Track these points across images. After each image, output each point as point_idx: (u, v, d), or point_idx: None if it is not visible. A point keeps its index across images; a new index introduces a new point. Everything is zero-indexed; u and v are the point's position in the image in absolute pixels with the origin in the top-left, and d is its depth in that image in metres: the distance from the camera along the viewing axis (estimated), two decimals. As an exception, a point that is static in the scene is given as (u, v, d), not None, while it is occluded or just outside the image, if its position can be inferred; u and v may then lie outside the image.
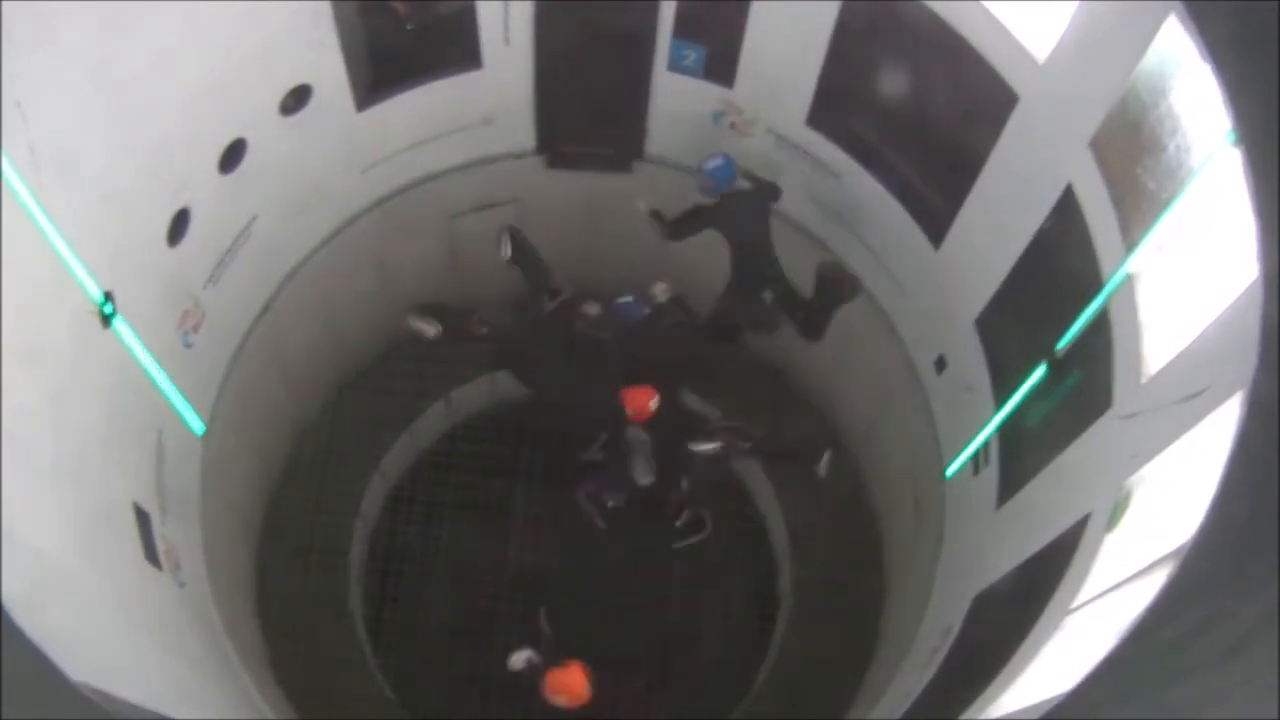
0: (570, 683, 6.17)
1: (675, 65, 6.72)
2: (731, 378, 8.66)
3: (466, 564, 8.77)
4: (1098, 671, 3.10)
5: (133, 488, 5.48)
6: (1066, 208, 5.20)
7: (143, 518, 5.48)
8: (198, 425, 6.44)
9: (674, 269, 7.71)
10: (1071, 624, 4.57)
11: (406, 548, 8.83)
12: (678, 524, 7.95)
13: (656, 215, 6.95)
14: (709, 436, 6.94)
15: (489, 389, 8.61)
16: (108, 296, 4.98)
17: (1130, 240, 4.74)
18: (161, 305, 5.74)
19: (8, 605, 3.03)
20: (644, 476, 6.96)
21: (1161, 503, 4.29)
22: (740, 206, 6.82)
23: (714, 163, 6.72)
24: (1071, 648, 4.46)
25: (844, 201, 6.98)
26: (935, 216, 6.40)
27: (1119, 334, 4.91)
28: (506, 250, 6.82)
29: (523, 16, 6.38)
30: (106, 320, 5.03)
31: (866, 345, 7.62)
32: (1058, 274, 5.44)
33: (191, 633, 5.79)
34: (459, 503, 8.85)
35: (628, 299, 7.03)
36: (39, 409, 4.43)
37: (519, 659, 6.34)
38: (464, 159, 7.31)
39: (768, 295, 6.97)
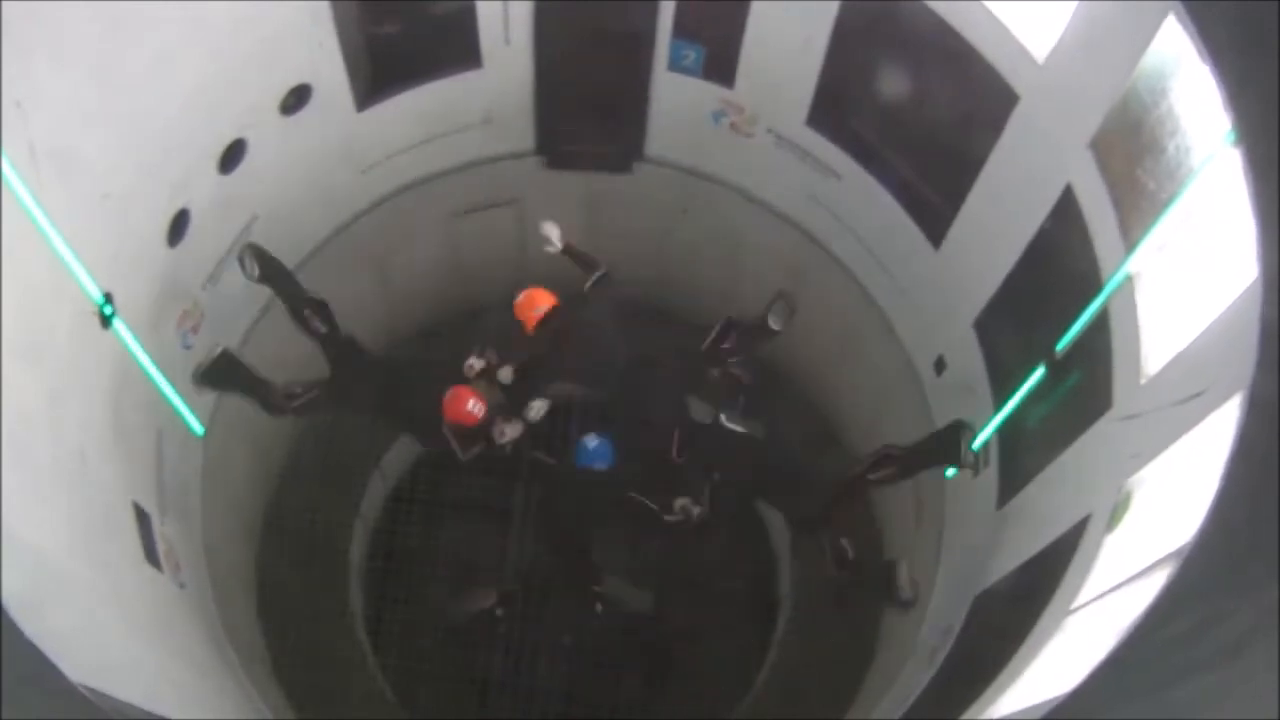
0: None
1: (675, 65, 6.71)
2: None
3: (466, 564, 8.77)
4: (1098, 671, 3.10)
5: (133, 488, 5.49)
6: (1066, 208, 5.20)
7: (143, 518, 5.48)
8: (198, 426, 6.44)
9: (672, 267, 7.73)
10: (1072, 624, 4.56)
11: (406, 548, 8.82)
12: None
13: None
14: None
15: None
16: (107, 297, 4.98)
17: (1130, 240, 4.74)
18: (161, 305, 5.74)
19: (8, 605, 3.03)
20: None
21: (1161, 503, 4.29)
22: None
23: (593, 443, 6.60)
24: (1072, 648, 4.45)
25: (844, 201, 6.97)
26: (935, 216, 6.39)
27: (1119, 334, 4.91)
28: (254, 271, 6.24)
29: (522, 16, 6.38)
30: (106, 320, 5.03)
31: (866, 345, 7.62)
32: (1058, 274, 5.44)
33: (191, 633, 5.79)
34: (459, 503, 8.85)
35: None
36: (39, 409, 4.43)
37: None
38: (464, 159, 7.30)
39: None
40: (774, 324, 6.70)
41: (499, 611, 7.31)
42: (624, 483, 6.67)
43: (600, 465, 6.59)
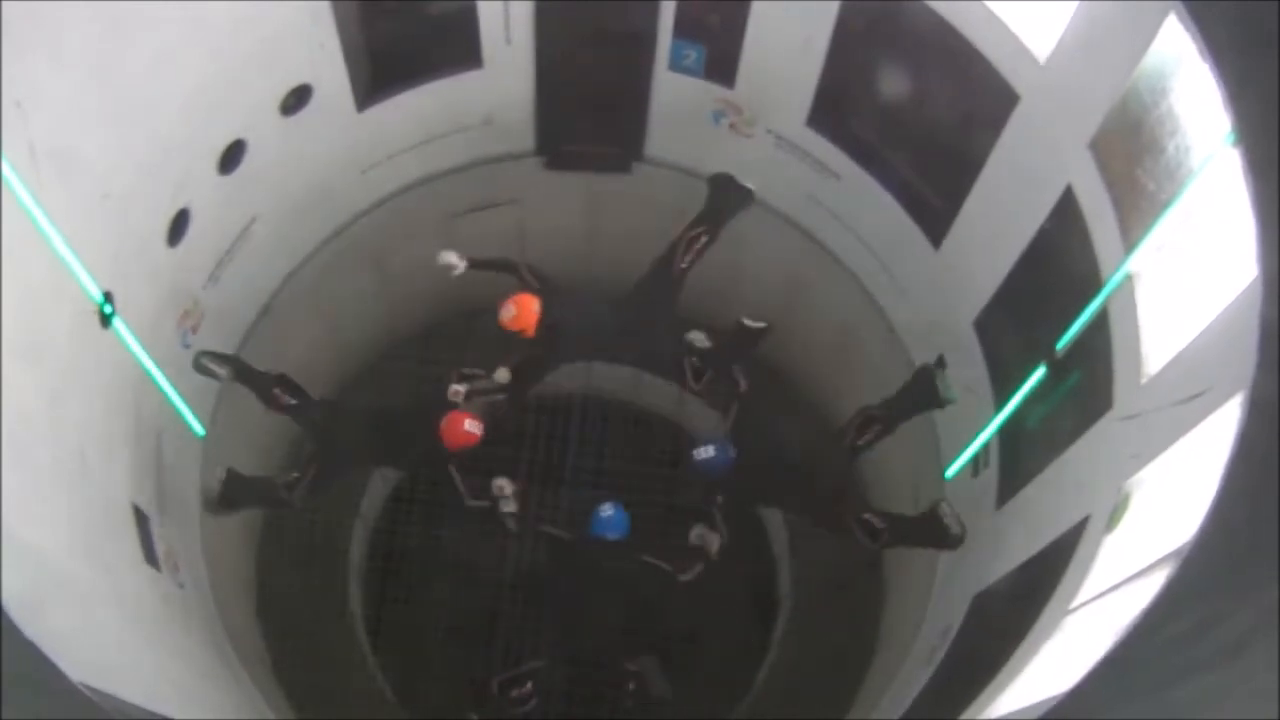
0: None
1: (675, 65, 6.71)
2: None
3: (466, 564, 8.77)
4: (1097, 671, 3.10)
5: (132, 488, 5.49)
6: (1066, 208, 5.20)
7: (142, 518, 5.48)
8: (198, 426, 6.44)
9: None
10: (1071, 624, 4.57)
11: (406, 548, 8.83)
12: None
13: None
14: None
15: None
16: (108, 296, 4.98)
17: (1130, 240, 4.74)
18: (161, 305, 5.74)
19: (8, 605, 3.03)
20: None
21: (1161, 504, 4.29)
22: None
23: (607, 513, 6.55)
24: (1071, 648, 4.45)
25: (844, 202, 6.97)
26: (935, 217, 6.40)
27: (1119, 335, 4.91)
28: (225, 372, 6.42)
29: (523, 16, 6.38)
30: (106, 320, 5.03)
31: (866, 345, 7.62)
32: (1057, 274, 5.44)
33: (191, 633, 5.79)
34: (459, 503, 8.85)
35: (709, 451, 6.47)
36: (39, 409, 4.43)
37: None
38: (464, 159, 7.31)
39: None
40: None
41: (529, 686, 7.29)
42: (636, 548, 6.63)
43: (613, 536, 6.54)
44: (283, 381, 6.64)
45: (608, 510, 6.58)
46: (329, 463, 6.85)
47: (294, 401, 6.65)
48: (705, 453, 6.45)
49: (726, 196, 6.72)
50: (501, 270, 6.54)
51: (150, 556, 5.48)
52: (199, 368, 6.29)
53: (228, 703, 5.67)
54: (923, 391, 6.42)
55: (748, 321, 6.85)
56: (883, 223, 6.78)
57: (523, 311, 6.32)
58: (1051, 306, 5.49)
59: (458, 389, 6.59)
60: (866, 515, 6.46)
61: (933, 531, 6.29)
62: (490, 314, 6.62)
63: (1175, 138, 4.41)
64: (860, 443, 6.58)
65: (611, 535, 6.55)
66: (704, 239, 6.64)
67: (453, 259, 6.40)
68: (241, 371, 6.56)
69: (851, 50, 6.09)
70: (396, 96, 6.59)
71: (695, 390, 7.00)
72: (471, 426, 6.38)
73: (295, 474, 6.73)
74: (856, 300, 7.41)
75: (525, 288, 6.44)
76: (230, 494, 6.67)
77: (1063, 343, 5.39)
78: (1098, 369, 5.02)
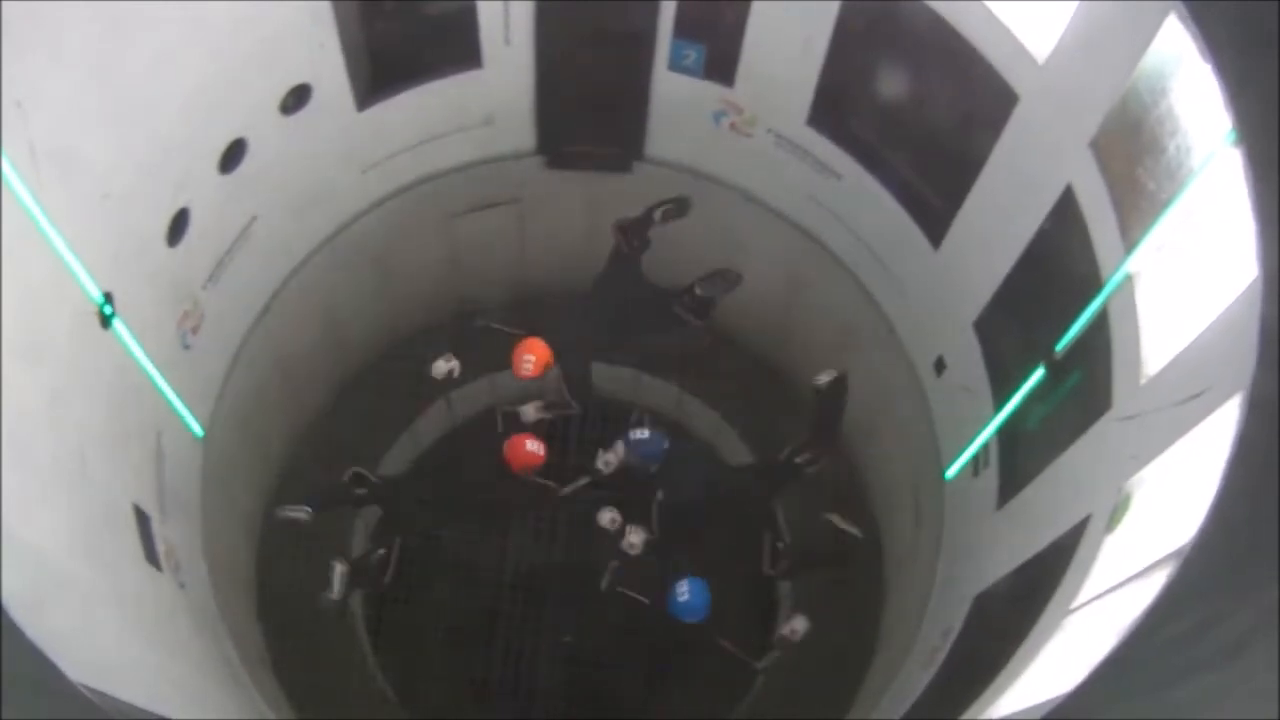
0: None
1: (675, 65, 6.72)
2: (731, 379, 8.67)
3: (466, 564, 8.76)
4: (1098, 671, 3.10)
5: (132, 488, 5.49)
6: (1066, 208, 5.20)
7: (142, 518, 5.48)
8: (197, 426, 6.44)
9: (671, 268, 7.70)
10: (1072, 624, 4.57)
11: (406, 548, 8.82)
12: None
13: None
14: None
15: (489, 389, 8.62)
16: (108, 297, 4.98)
17: (1130, 240, 4.74)
18: (161, 305, 5.74)
19: (8, 605, 3.03)
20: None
21: (1161, 504, 4.29)
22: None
23: (640, 435, 6.70)
24: (1072, 648, 4.46)
25: (844, 201, 6.97)
26: (935, 217, 6.40)
27: (1118, 335, 4.91)
28: (359, 491, 6.84)
29: (523, 16, 6.38)
30: (106, 320, 5.03)
31: (866, 345, 7.62)
32: (1057, 274, 5.44)
33: (191, 633, 5.80)
34: (459, 503, 8.84)
35: (643, 435, 6.73)
36: (39, 409, 4.43)
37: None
38: (464, 159, 7.30)
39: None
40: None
41: None
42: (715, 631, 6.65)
43: (690, 620, 6.41)
44: (357, 479, 6.89)
45: (684, 593, 6.35)
46: (407, 531, 7.20)
47: (363, 491, 6.91)
48: (640, 434, 6.61)
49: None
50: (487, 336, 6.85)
51: (151, 556, 5.48)
52: (280, 522, 6.67)
53: (228, 703, 5.67)
54: (835, 401, 6.85)
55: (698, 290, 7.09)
56: (883, 223, 6.79)
57: (539, 354, 6.56)
58: (1051, 307, 5.48)
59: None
60: (779, 544, 6.61)
61: (832, 543, 6.43)
62: (489, 314, 6.68)
63: (1175, 137, 4.41)
64: (798, 460, 6.83)
65: (689, 619, 6.42)
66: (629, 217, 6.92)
67: (442, 365, 6.79)
68: (315, 503, 6.79)
69: (851, 50, 6.09)
70: (396, 96, 6.59)
71: (698, 325, 7.18)
72: (534, 447, 6.64)
73: (382, 550, 6.99)
74: (856, 300, 7.41)
75: (513, 338, 6.68)
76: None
77: (1062, 343, 5.39)
78: (1097, 369, 5.02)
